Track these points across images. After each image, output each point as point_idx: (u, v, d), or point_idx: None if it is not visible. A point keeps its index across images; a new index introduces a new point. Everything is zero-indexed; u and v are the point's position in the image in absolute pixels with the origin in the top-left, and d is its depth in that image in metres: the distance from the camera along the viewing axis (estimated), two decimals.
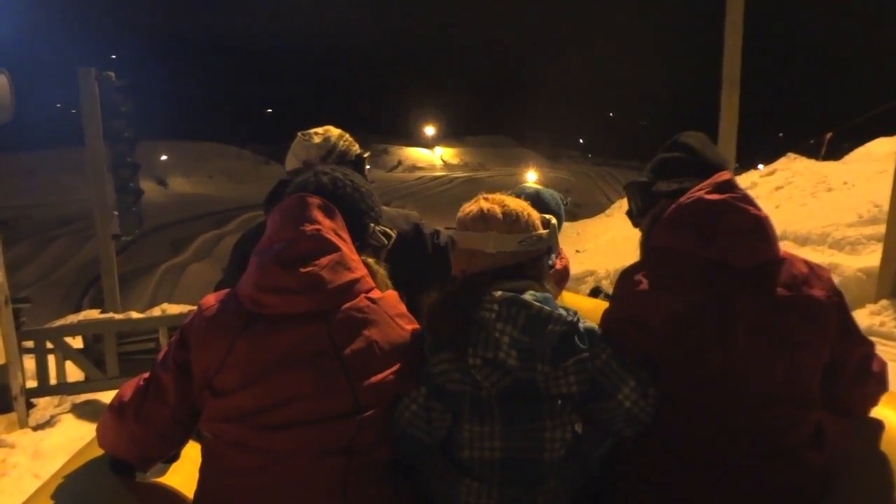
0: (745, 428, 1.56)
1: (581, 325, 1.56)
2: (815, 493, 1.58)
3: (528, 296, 1.56)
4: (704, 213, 1.65)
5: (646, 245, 1.84)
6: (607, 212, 17.12)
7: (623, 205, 16.61)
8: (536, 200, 2.53)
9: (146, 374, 1.59)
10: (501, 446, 1.54)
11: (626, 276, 1.73)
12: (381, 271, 1.66)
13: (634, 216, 1.93)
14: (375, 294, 1.58)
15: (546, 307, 1.54)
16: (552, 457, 1.55)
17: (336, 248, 1.54)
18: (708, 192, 1.68)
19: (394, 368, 1.53)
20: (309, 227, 1.53)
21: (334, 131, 2.42)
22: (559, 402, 1.55)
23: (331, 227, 1.56)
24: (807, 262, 1.68)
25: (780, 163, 12.94)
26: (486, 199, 1.70)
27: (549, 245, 1.73)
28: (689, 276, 1.62)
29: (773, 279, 1.61)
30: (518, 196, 1.77)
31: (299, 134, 2.41)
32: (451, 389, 1.56)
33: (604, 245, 12.62)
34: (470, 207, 1.70)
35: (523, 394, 1.54)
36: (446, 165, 58.43)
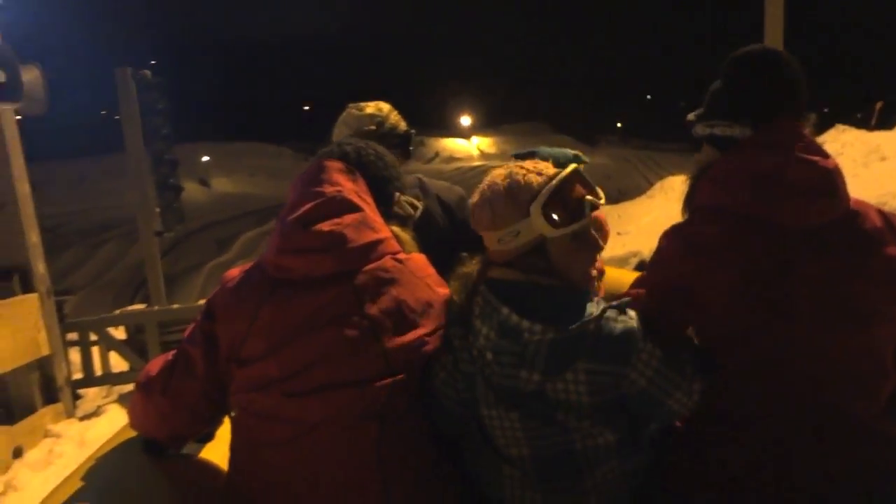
0: (810, 403, 1.39)
1: (608, 329, 1.34)
2: (894, 467, 1.41)
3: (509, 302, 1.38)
4: (762, 167, 1.41)
5: (691, 201, 1.60)
6: (648, 193, 16.80)
7: (664, 185, 16.28)
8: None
9: (174, 351, 1.55)
10: (525, 437, 1.41)
11: (670, 237, 1.52)
12: (408, 238, 1.58)
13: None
14: (402, 256, 1.51)
15: (515, 317, 1.35)
16: (585, 446, 1.41)
17: (358, 208, 1.48)
18: (766, 142, 1.44)
19: (425, 329, 1.46)
20: (330, 189, 1.48)
21: (385, 105, 2.38)
22: (569, 407, 1.37)
23: (353, 190, 1.50)
24: (882, 214, 1.46)
25: (829, 134, 12.47)
26: (479, 189, 1.50)
27: (542, 234, 1.40)
28: (744, 241, 1.41)
29: (842, 239, 1.40)
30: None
31: (350, 105, 2.36)
32: (463, 369, 1.46)
33: (646, 226, 12.37)
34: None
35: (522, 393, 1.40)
36: (483, 155, 58.13)
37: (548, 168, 1.45)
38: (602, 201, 1.45)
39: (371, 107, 2.34)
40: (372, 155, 1.62)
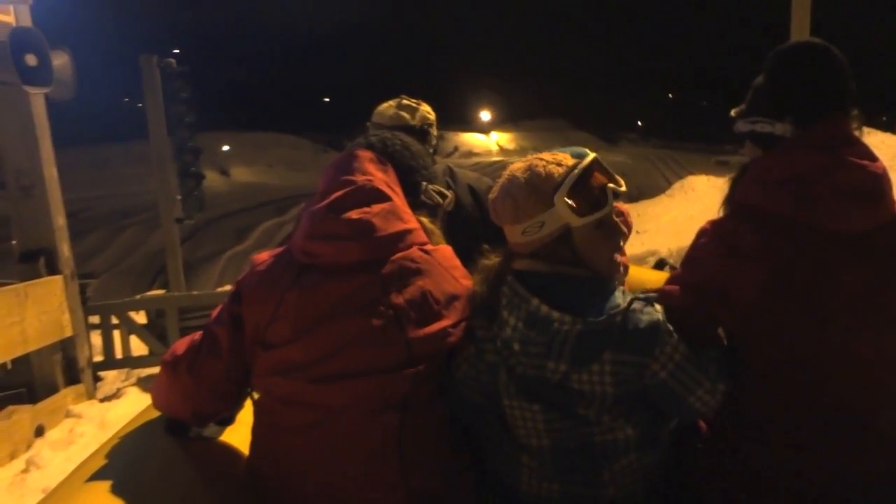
0: (834, 407, 1.38)
1: (634, 321, 1.34)
2: None
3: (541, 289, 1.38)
4: (805, 169, 1.37)
5: (731, 199, 1.56)
6: (668, 192, 16.66)
7: (684, 185, 16.15)
8: None
9: (200, 332, 1.57)
10: (546, 428, 1.41)
11: (707, 235, 1.50)
12: (436, 231, 1.60)
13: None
14: (429, 247, 1.53)
15: (544, 308, 1.36)
16: (605, 439, 1.41)
17: (388, 198, 1.49)
18: (812, 142, 1.40)
19: (449, 321, 1.47)
20: (361, 178, 1.50)
21: (432, 111, 2.48)
22: (593, 398, 1.38)
23: (383, 180, 1.52)
24: None
25: None
26: (499, 183, 1.50)
27: (567, 224, 1.41)
28: (781, 244, 1.38)
29: (886, 246, 1.37)
30: None
31: (403, 96, 2.47)
32: (487, 359, 1.46)
33: (665, 225, 12.29)
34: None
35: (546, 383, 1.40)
36: (502, 151, 57.88)
37: (566, 159, 1.45)
38: (623, 189, 1.45)
39: (426, 106, 2.45)
40: (398, 145, 1.64)
